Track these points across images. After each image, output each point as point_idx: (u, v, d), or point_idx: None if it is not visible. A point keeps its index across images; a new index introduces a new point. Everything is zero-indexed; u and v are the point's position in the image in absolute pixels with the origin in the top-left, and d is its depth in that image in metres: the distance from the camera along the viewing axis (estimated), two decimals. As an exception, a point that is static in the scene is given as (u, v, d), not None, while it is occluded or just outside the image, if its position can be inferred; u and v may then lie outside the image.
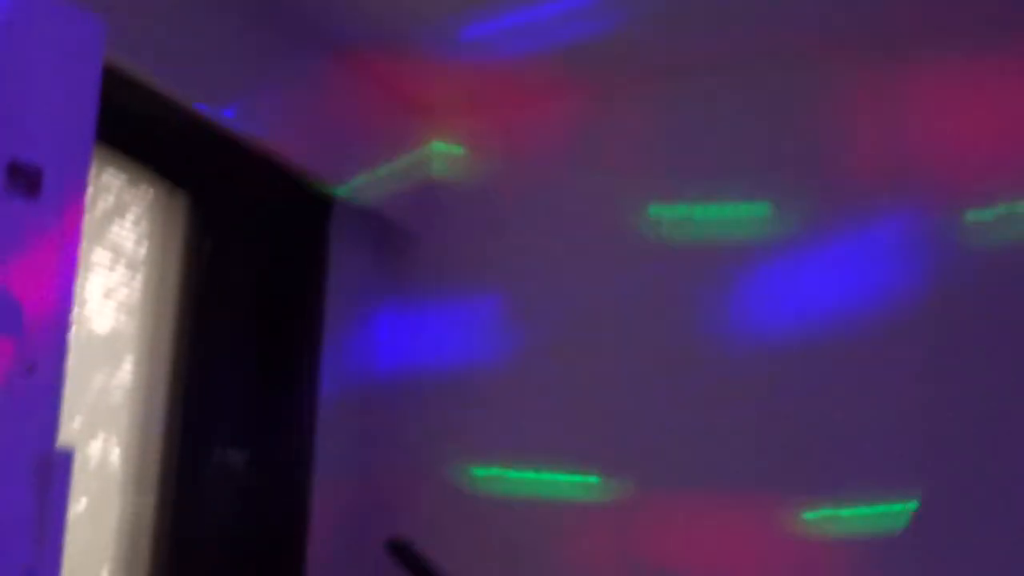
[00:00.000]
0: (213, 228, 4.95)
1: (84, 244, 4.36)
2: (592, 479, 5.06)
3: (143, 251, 4.74)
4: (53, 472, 3.16)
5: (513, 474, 5.17)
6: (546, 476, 5.11)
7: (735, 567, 4.69)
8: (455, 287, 5.51)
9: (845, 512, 4.65)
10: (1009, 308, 4.60)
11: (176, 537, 4.67)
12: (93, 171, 4.45)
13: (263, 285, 5.21)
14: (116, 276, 4.62)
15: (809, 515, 4.69)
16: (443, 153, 5.68)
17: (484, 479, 5.19)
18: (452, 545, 4.92)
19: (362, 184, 5.35)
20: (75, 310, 4.29)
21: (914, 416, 4.65)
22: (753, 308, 4.93)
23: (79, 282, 4.35)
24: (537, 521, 5.09)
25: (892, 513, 4.58)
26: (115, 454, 4.59)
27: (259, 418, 5.11)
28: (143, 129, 4.58)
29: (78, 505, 4.35)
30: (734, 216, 5.06)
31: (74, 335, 4.30)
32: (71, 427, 4.33)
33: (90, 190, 4.41)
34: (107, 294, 4.58)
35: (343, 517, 5.25)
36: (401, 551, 3.65)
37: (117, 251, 4.63)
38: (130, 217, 4.69)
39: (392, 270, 5.61)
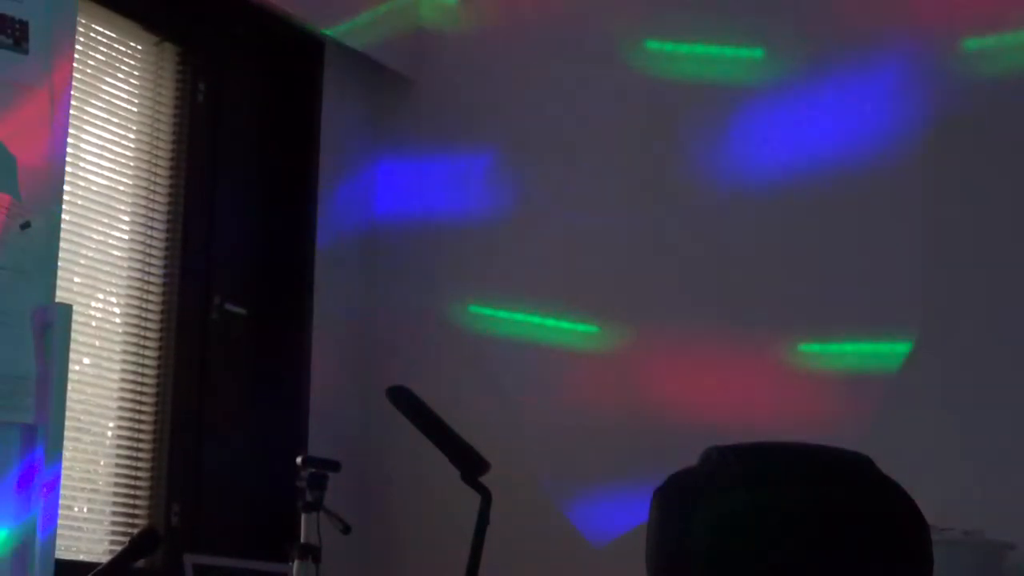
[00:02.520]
0: (204, 78, 4.92)
1: (76, 100, 4.33)
2: (591, 328, 5.08)
3: (135, 105, 4.71)
4: (53, 328, 3.17)
5: (511, 315, 5.19)
6: (548, 321, 5.13)
7: (732, 403, 4.72)
8: (451, 132, 5.48)
9: (839, 347, 4.68)
10: (1011, 139, 4.56)
11: (179, 392, 4.71)
12: (81, 27, 4.41)
13: (257, 134, 5.19)
14: (110, 131, 4.60)
15: (804, 347, 4.72)
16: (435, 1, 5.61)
17: (482, 318, 5.22)
18: (453, 387, 4.95)
19: (354, 27, 5.30)
20: (70, 166, 4.29)
21: (912, 255, 4.64)
22: (751, 149, 4.90)
23: (73, 138, 4.34)
24: (535, 365, 5.13)
25: (887, 352, 4.60)
26: (116, 311, 4.61)
27: (257, 269, 5.12)
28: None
29: (81, 363, 4.38)
30: (730, 57, 5.02)
31: (69, 192, 4.31)
32: (71, 285, 4.34)
33: (79, 46, 4.38)
34: (101, 149, 4.56)
35: (343, 364, 5.30)
36: (401, 397, 3.67)
37: (110, 106, 4.60)
38: (121, 72, 4.66)
39: (387, 116, 5.57)
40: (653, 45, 5.15)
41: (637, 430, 4.85)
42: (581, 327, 5.09)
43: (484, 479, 3.54)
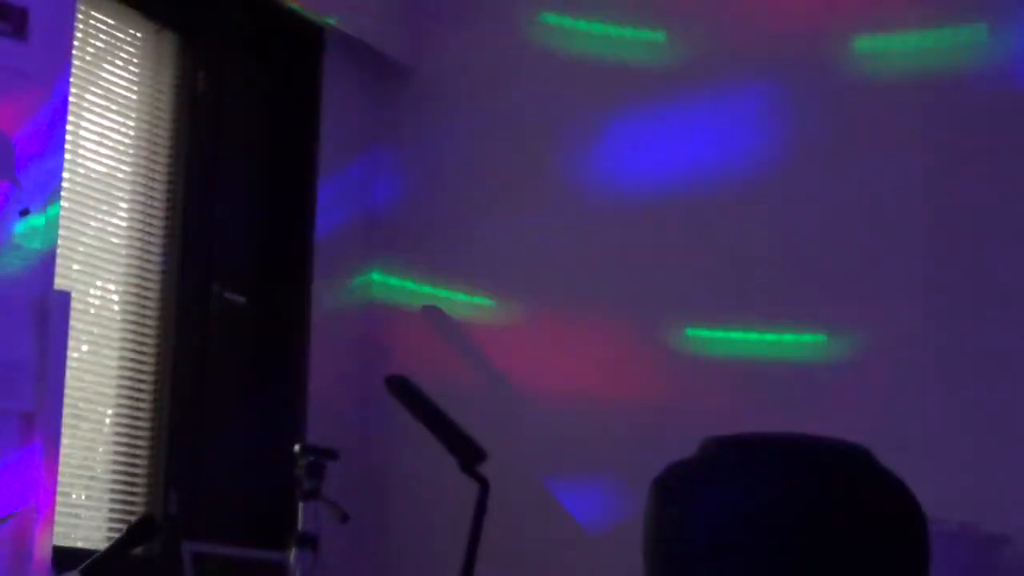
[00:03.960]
0: (204, 66, 4.92)
1: (76, 87, 4.33)
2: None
3: (135, 93, 4.71)
4: (51, 314, 3.18)
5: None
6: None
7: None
8: (450, 121, 5.48)
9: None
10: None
11: (177, 379, 4.71)
12: (81, 14, 4.41)
13: (257, 122, 5.18)
14: (109, 119, 4.59)
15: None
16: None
17: (477, 307, 5.27)
18: (451, 377, 4.96)
19: (354, 15, 5.29)
20: (69, 154, 4.29)
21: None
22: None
23: (72, 126, 4.33)
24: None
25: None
26: (114, 298, 4.61)
27: (256, 258, 5.12)
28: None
29: (80, 350, 4.38)
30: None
31: (68, 179, 4.31)
32: (70, 272, 4.34)
33: (79, 33, 4.38)
34: (101, 137, 4.56)
35: (342, 353, 5.30)
36: (399, 386, 3.67)
37: (109, 94, 4.60)
38: (121, 59, 4.65)
39: (387, 105, 5.56)
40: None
41: (632, 423, 4.87)
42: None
43: (482, 468, 3.54)
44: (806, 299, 4.72)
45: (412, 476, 5.15)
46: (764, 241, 4.82)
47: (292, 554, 4.03)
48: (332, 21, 5.22)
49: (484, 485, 3.52)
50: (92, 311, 4.50)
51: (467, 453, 3.56)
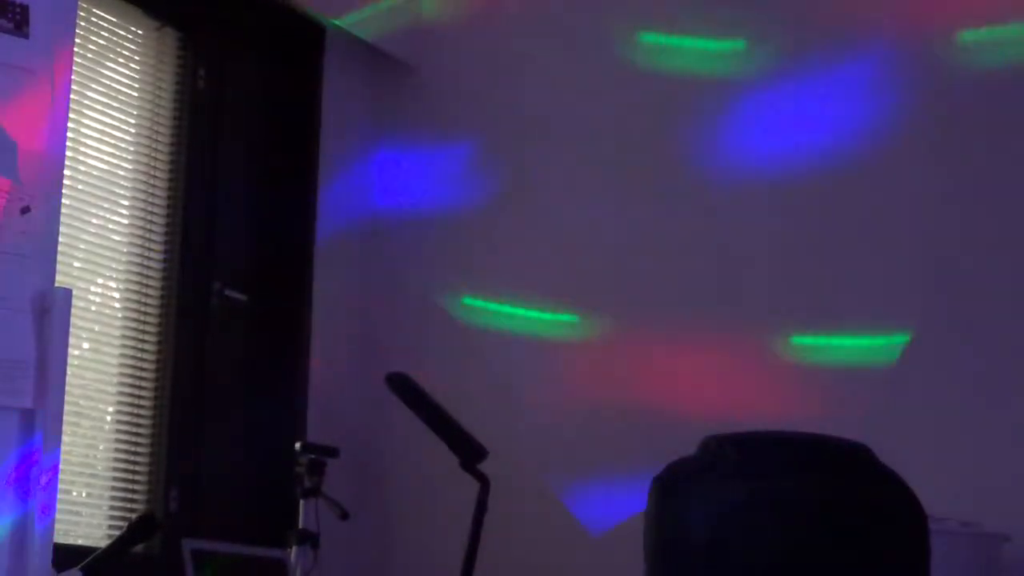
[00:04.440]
0: (205, 64, 4.91)
1: (77, 84, 4.33)
2: (571, 318, 5.08)
3: (136, 90, 4.70)
4: (52, 312, 3.17)
5: (499, 307, 5.20)
6: (531, 313, 5.12)
7: (722, 397, 4.72)
8: (452, 121, 5.47)
9: (835, 341, 4.67)
10: (1006, 133, 4.56)
11: (178, 377, 4.71)
12: (82, 11, 4.41)
13: (258, 120, 5.18)
14: (110, 116, 4.59)
15: (797, 340, 4.72)
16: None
17: (476, 310, 5.23)
18: (452, 375, 4.95)
19: (355, 13, 5.29)
20: (70, 151, 4.28)
21: (909, 248, 4.64)
22: (744, 141, 4.90)
23: (73, 123, 4.33)
24: (524, 356, 5.13)
25: (884, 346, 4.60)
26: (115, 296, 4.61)
27: (257, 256, 5.12)
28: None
29: (81, 348, 4.38)
30: (715, 50, 5.01)
31: (70, 176, 4.31)
32: (71, 270, 4.34)
33: (80, 30, 4.37)
34: (102, 134, 4.55)
35: (342, 351, 5.30)
36: (400, 384, 3.68)
37: (110, 91, 4.59)
38: (122, 57, 4.65)
39: (388, 104, 5.56)
40: (648, 38, 5.14)
41: (634, 421, 4.85)
42: (568, 318, 5.09)
43: (482, 466, 3.54)
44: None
45: (413, 474, 5.15)
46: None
47: (292, 551, 4.04)
48: (334, 20, 5.22)
49: (485, 483, 3.52)
50: (93, 308, 4.50)
51: (468, 451, 3.57)
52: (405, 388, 3.67)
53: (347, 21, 5.26)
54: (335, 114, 5.34)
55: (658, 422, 4.72)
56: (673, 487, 1.88)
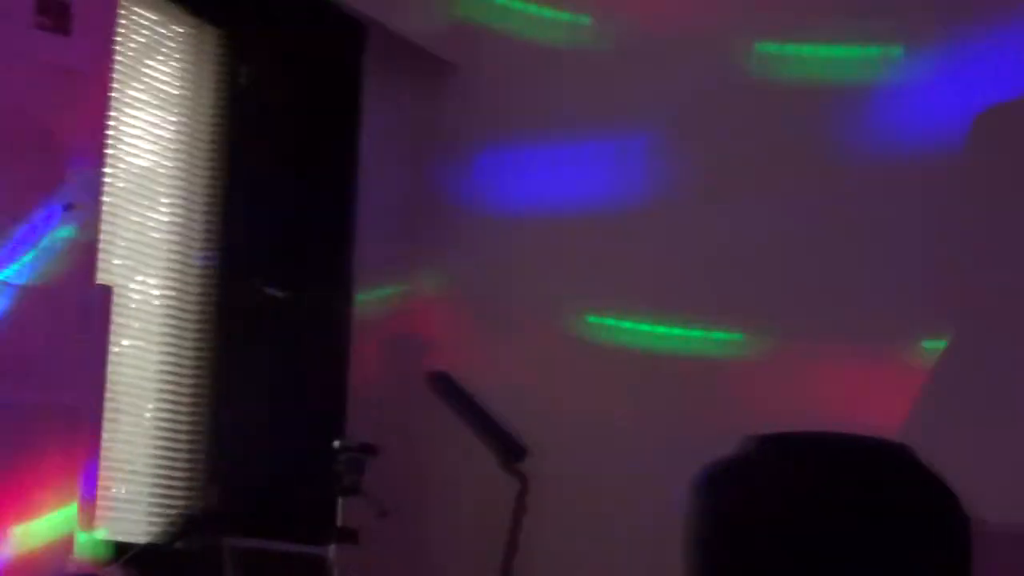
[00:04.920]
0: (246, 61, 4.92)
1: (118, 82, 4.34)
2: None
3: (176, 88, 4.72)
4: (93, 309, 3.19)
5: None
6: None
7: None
8: (495, 120, 5.46)
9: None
10: None
11: (218, 374, 4.72)
12: (123, 10, 4.42)
13: (298, 118, 5.19)
14: (151, 114, 4.61)
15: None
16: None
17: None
18: (492, 375, 4.94)
19: (396, 11, 5.29)
20: (111, 148, 4.30)
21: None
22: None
23: (114, 121, 4.35)
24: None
25: None
26: (155, 293, 4.62)
27: (297, 253, 5.12)
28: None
29: (120, 344, 4.39)
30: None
31: (110, 174, 4.32)
32: (111, 267, 4.35)
33: (120, 29, 4.39)
34: (142, 132, 4.57)
35: (383, 349, 5.30)
36: (442, 382, 3.68)
37: (151, 89, 4.61)
38: (162, 54, 4.66)
39: (429, 101, 5.54)
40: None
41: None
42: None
43: (521, 467, 3.54)
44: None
45: (452, 473, 5.15)
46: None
47: (332, 549, 4.04)
48: (375, 17, 5.22)
49: (524, 483, 3.51)
50: (133, 305, 4.51)
51: (507, 451, 3.56)
52: (446, 386, 3.67)
53: (388, 18, 5.26)
54: (375, 110, 5.34)
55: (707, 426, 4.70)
56: (712, 487, 1.87)
